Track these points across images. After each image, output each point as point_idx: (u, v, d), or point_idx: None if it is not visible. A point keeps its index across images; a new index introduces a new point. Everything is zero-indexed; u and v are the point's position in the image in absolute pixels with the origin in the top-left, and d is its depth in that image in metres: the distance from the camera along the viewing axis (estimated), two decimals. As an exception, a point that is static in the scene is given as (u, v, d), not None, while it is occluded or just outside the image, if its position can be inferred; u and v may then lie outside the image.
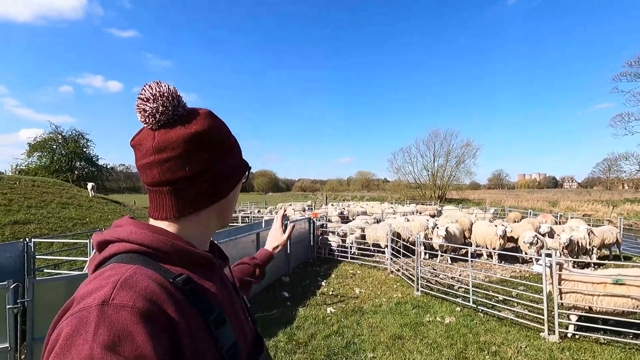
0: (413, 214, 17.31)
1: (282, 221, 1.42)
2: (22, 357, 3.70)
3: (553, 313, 5.03)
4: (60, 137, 32.20)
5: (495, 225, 9.93)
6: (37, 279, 3.67)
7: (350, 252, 10.04)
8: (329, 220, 14.12)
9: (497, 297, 6.56)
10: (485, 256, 10.11)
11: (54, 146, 31.70)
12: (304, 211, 20.12)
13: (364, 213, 18.25)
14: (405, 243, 9.33)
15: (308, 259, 10.12)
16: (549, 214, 15.90)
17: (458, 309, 6.16)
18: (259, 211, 21.40)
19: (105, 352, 0.47)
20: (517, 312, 5.83)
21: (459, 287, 7.23)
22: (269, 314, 5.95)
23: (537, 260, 5.40)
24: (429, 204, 26.95)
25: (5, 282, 3.47)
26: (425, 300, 6.64)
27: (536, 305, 5.63)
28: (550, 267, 5.09)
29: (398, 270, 8.61)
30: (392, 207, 20.57)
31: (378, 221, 13.29)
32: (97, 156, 35.08)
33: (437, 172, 43.35)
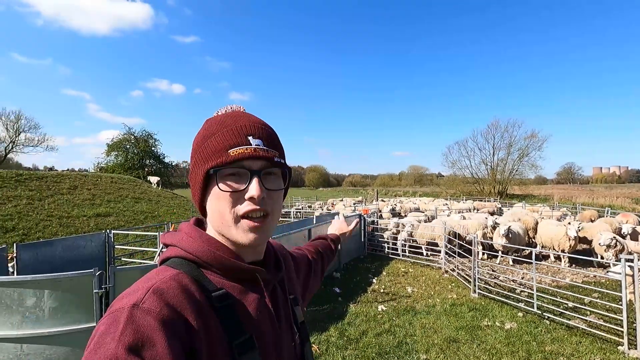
0: (470, 211, 16.44)
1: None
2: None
3: (635, 325, 4.50)
4: (132, 137, 35.54)
5: (565, 225, 9.08)
6: (117, 267, 4.14)
7: (402, 249, 9.85)
8: (380, 217, 13.96)
9: (567, 304, 6.02)
10: (552, 258, 9.30)
11: (128, 146, 35.11)
12: (354, 208, 20.10)
13: (417, 209, 17.72)
14: (460, 242, 8.92)
15: (359, 255, 10.12)
16: (630, 212, 14.14)
17: (520, 314, 5.77)
18: (309, 206, 21.80)
19: (127, 354, 0.49)
20: (590, 321, 5.30)
21: (521, 291, 6.76)
22: (321, 309, 6.08)
23: (615, 265, 4.86)
24: (488, 200, 25.35)
25: (92, 270, 3.96)
26: (483, 303, 6.31)
27: (614, 316, 5.08)
28: (632, 274, 4.55)
29: (453, 270, 8.27)
30: (446, 204, 19.72)
31: (431, 218, 12.84)
32: (164, 154, 38.10)
33: (497, 166, 40.66)
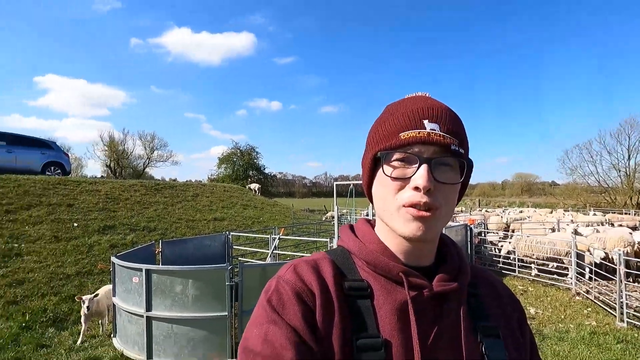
0: (602, 224, 13.89)
1: None
2: (235, 325, 4.68)
3: None
4: (238, 151, 39.65)
5: None
6: (246, 264, 4.60)
7: (519, 265, 8.79)
8: (487, 228, 12.76)
9: None
10: None
11: (234, 159, 39.24)
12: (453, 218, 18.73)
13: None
14: (599, 260, 7.56)
15: (465, 268, 9.36)
16: None
17: (695, 354, 4.59)
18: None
19: (271, 310, 0.61)
20: None
21: (692, 325, 5.39)
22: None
23: None
24: (627, 213, 21.05)
25: (225, 264, 4.49)
26: (636, 335, 5.21)
27: None
28: None
29: (587, 292, 7.05)
30: (570, 215, 17.00)
31: (552, 231, 11.22)
32: (264, 166, 41.51)
33: (634, 172, 33.54)
